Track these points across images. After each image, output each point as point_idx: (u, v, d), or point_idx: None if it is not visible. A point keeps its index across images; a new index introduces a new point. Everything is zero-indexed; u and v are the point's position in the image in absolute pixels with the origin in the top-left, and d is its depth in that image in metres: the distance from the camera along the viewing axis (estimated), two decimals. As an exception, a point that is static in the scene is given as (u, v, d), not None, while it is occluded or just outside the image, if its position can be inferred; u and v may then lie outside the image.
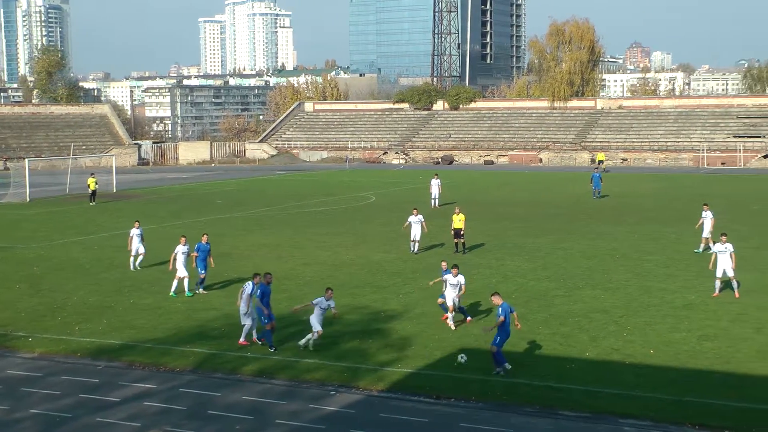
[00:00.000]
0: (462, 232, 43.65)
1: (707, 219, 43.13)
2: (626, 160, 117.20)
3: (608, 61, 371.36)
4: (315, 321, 26.33)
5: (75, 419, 20.91)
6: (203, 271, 34.97)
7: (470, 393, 22.30)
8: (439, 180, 65.47)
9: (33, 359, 26.09)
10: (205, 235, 36.33)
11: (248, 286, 27.10)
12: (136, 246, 39.80)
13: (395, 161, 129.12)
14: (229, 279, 37.25)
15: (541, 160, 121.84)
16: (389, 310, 31.21)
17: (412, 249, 43.70)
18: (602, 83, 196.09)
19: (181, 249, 34.66)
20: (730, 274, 32.51)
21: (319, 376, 23.95)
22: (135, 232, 39.98)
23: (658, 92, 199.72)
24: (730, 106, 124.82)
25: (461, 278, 29.02)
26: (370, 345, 26.73)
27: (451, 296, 28.83)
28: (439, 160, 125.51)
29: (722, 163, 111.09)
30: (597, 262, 40.63)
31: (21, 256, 44.15)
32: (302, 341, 26.50)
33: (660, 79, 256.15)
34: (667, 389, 22.40)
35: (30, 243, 48.82)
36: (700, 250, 42.82)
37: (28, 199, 72.93)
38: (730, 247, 32.77)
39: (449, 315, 28.87)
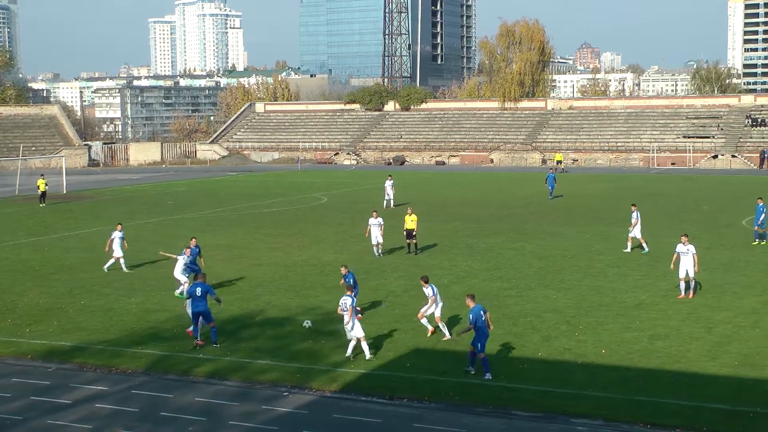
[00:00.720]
0: (414, 233, 43.71)
1: (633, 219, 43.65)
2: (577, 160, 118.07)
3: (558, 61, 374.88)
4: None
5: (26, 422, 20.78)
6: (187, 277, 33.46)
7: (423, 393, 22.41)
8: (392, 181, 65.64)
9: (-18, 362, 25.88)
10: (194, 239, 36.09)
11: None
12: (118, 250, 39.32)
13: (347, 162, 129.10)
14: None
15: (492, 161, 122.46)
16: (342, 310, 31.23)
17: (376, 253, 42.82)
18: (552, 84, 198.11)
19: (182, 260, 33.93)
20: (692, 275, 32.86)
21: (271, 377, 23.96)
22: (117, 234, 39.65)
23: (608, 93, 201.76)
24: (680, 107, 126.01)
25: (428, 290, 27.68)
26: (322, 346, 26.77)
27: (430, 309, 27.68)
28: (391, 160, 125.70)
29: (672, 164, 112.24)
30: (548, 262, 40.92)
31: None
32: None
33: (610, 80, 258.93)
34: (620, 388, 22.61)
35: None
36: (628, 249, 43.45)
37: (-24, 201, 72.16)
38: (692, 248, 33.00)
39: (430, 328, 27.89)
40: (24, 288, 36.04)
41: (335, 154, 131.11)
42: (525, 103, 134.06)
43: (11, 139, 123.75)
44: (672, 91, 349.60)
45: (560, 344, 26.67)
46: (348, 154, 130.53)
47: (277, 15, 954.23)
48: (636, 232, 43.63)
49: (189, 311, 27.36)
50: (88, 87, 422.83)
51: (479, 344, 23.87)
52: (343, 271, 30.16)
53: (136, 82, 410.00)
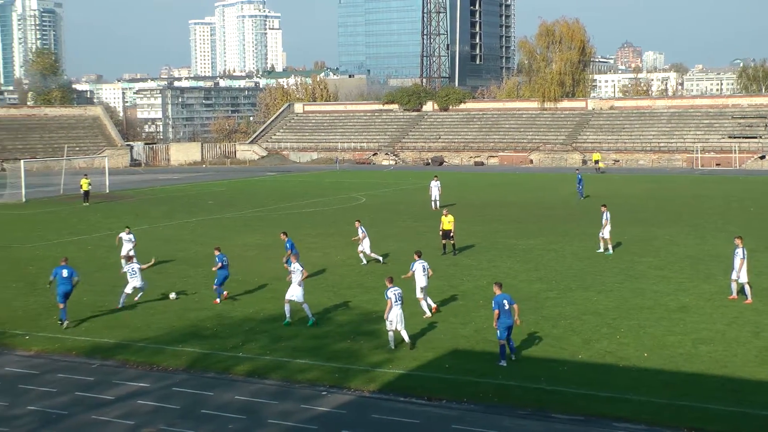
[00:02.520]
0: (451, 234, 43.68)
1: (604, 220, 43.69)
2: (618, 161, 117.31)
3: (599, 61, 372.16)
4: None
5: (70, 417, 21.09)
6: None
7: (462, 394, 22.40)
8: (438, 182, 65.07)
9: (29, 357, 26.33)
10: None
11: (396, 291, 26.40)
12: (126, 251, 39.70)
13: (385, 162, 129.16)
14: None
15: (531, 162, 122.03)
16: (380, 311, 31.17)
17: (379, 258, 41.89)
18: (593, 84, 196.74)
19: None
20: (744, 278, 32.37)
21: (310, 376, 24.06)
22: (123, 236, 40.18)
23: (650, 92, 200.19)
24: (725, 107, 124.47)
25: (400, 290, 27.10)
26: (361, 346, 26.84)
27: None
28: (429, 161, 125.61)
29: (717, 164, 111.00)
30: (589, 263, 40.71)
31: (17, 256, 44.25)
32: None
33: (652, 80, 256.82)
34: (662, 393, 22.35)
35: (26, 243, 48.94)
36: (601, 249, 43.59)
37: (23, 200, 73.11)
38: (739, 252, 32.66)
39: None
40: (67, 286, 36.39)
41: (374, 155, 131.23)
42: (565, 103, 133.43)
43: (56, 140, 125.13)
44: (717, 90, 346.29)
45: (601, 347, 26.51)
46: (386, 154, 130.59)
47: (316, 16, 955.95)
48: (605, 232, 43.69)
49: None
50: (130, 88, 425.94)
51: (498, 331, 24.73)
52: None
53: (176, 83, 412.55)
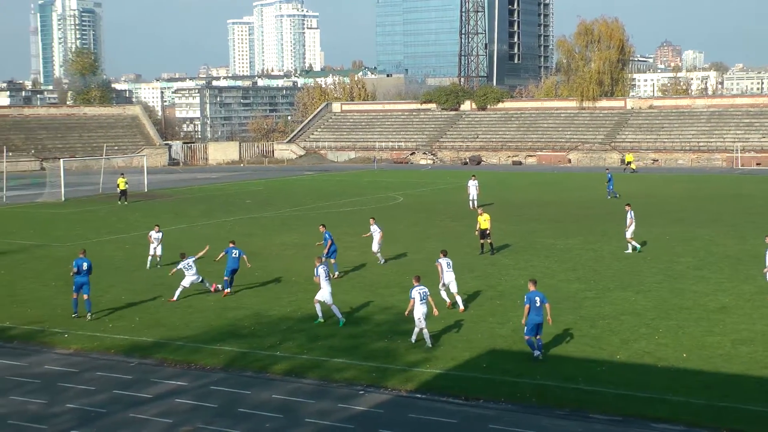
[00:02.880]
0: (488, 232, 43.54)
1: (628, 219, 43.87)
2: (657, 160, 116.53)
3: (638, 60, 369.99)
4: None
5: (109, 414, 21.23)
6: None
7: (499, 394, 22.33)
8: (476, 181, 64.74)
9: (69, 355, 26.57)
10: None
11: (421, 290, 26.67)
12: (153, 249, 40.47)
13: (423, 162, 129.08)
14: (259, 279, 37.38)
15: (570, 161, 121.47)
16: (418, 310, 31.25)
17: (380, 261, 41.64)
18: (632, 83, 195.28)
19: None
20: None
21: (348, 375, 24.08)
22: (153, 234, 40.66)
23: (689, 92, 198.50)
24: (766, 106, 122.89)
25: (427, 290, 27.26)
26: (398, 345, 26.82)
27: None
28: (467, 160, 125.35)
29: (757, 164, 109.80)
30: (627, 263, 40.46)
31: (56, 254, 44.61)
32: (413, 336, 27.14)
33: (692, 79, 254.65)
34: (701, 394, 22.16)
35: (65, 241, 49.35)
36: (629, 250, 43.52)
37: (63, 199, 73.68)
38: None
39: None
40: (107, 284, 36.71)
41: (411, 154, 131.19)
42: (604, 103, 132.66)
43: (95, 139, 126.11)
44: (758, 89, 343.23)
45: (639, 347, 26.32)
46: (424, 153, 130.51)
47: (354, 15, 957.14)
48: (629, 232, 43.83)
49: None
50: (168, 87, 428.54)
51: (525, 327, 25.11)
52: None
53: (215, 83, 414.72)
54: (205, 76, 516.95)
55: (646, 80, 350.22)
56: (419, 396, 22.49)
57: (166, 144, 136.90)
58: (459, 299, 31.53)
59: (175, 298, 33.66)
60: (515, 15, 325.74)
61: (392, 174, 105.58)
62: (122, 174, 73.58)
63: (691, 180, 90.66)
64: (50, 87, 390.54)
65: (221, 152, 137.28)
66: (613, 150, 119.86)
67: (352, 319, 30.10)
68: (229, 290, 34.73)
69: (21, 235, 52.48)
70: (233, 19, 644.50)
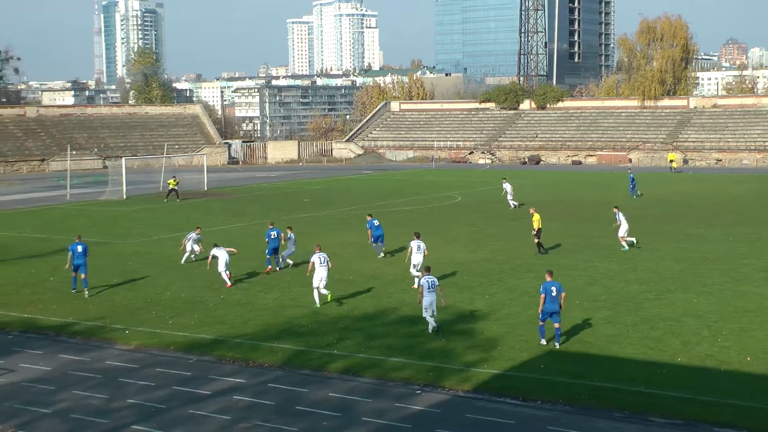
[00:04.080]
0: (538, 231, 43.45)
1: (617, 220, 44.95)
2: (721, 160, 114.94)
3: (702, 58, 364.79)
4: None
5: (169, 410, 21.45)
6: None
7: (557, 396, 22.18)
8: (508, 184, 65.18)
9: (129, 351, 26.89)
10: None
11: (429, 279, 28.27)
12: (191, 247, 41.79)
13: (481, 161, 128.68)
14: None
15: (630, 161, 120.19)
16: (475, 310, 31.20)
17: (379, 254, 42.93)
18: (695, 81, 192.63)
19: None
20: None
21: (405, 374, 24.06)
22: (193, 236, 41.78)
23: (755, 90, 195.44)
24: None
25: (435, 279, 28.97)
26: (456, 345, 26.74)
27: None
28: (526, 160, 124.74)
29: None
30: (689, 265, 39.95)
31: (118, 251, 45.17)
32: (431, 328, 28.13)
33: (758, 77, 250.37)
34: (766, 398, 21.84)
35: (126, 239, 49.97)
36: (626, 248, 44.04)
37: (124, 197, 74.61)
38: None
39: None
40: (167, 281, 37.10)
41: (470, 153, 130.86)
42: (666, 102, 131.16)
43: (156, 138, 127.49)
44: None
45: (701, 350, 25.96)
46: (483, 153, 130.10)
47: (413, 14, 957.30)
48: (621, 231, 44.64)
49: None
50: (228, 87, 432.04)
51: (541, 314, 26.29)
52: None
53: (274, 82, 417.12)
54: (264, 75, 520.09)
55: (710, 79, 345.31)
56: (476, 396, 22.41)
57: (225, 143, 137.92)
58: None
59: (229, 283, 35.33)
60: (576, 13, 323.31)
61: (450, 173, 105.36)
62: (174, 176, 74.64)
63: (756, 180, 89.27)
64: (113, 87, 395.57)
65: (280, 151, 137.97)
66: (675, 150, 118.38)
67: (409, 318, 30.05)
68: (270, 267, 38.54)
69: (84, 232, 52.88)
70: (293, 18, 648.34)
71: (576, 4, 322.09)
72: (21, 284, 37.05)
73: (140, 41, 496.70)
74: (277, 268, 39.26)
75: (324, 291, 32.11)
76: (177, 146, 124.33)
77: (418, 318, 29.99)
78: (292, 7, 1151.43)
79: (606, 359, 25.07)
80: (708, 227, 52.67)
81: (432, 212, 62.42)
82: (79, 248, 35.21)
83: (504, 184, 65.51)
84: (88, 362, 25.60)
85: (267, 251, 39.26)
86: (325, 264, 32.33)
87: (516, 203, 63.52)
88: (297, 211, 62.84)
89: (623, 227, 44.68)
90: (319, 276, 32.06)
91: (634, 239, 44.85)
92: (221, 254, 35.95)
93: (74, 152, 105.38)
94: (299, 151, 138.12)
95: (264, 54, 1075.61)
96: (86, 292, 34.43)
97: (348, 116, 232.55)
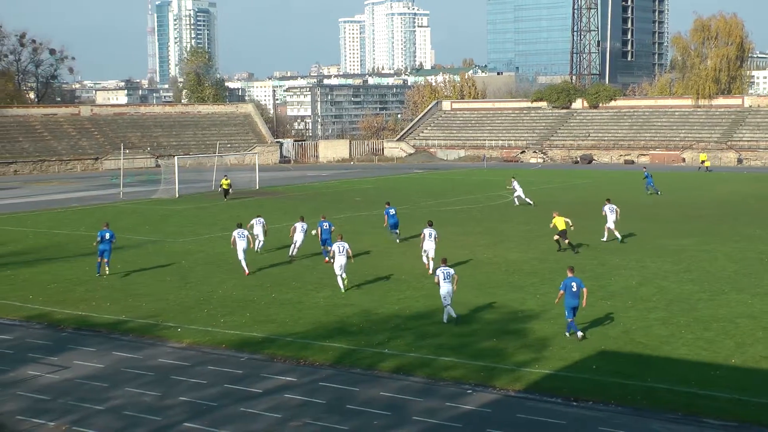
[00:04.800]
0: (563, 232, 43.95)
1: (609, 212, 46.97)
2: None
3: (758, 56, 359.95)
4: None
5: (220, 408, 21.58)
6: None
7: (609, 396, 22.03)
8: (515, 182, 66.66)
9: (182, 349, 27.09)
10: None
11: (445, 270, 29.64)
12: (256, 232, 43.71)
13: (533, 160, 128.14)
14: (367, 277, 37.56)
15: (684, 160, 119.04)
16: (527, 310, 31.08)
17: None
18: (750, 80, 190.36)
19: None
20: None
21: (456, 374, 24.03)
22: (300, 225, 42.89)
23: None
24: None
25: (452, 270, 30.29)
26: (507, 345, 26.67)
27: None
28: (578, 159, 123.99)
29: None
30: (744, 265, 39.48)
31: (171, 250, 45.57)
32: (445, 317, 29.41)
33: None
34: (823, 400, 21.47)
35: (178, 237, 50.38)
36: (605, 239, 46.56)
37: (177, 195, 75.23)
38: None
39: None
40: (219, 280, 37.37)
41: (521, 153, 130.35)
42: (720, 101, 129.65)
43: (208, 137, 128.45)
44: None
45: (756, 351, 25.65)
46: (534, 152, 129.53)
47: (465, 13, 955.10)
48: (609, 223, 46.62)
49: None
50: (280, 86, 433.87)
51: (566, 310, 27.27)
52: None
53: (326, 81, 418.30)
54: (316, 74, 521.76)
55: (765, 77, 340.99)
56: (527, 396, 22.33)
57: (277, 142, 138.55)
58: (431, 264, 37.38)
59: (247, 271, 38.35)
60: (629, 12, 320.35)
61: (502, 173, 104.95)
62: (225, 176, 75.09)
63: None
64: (166, 86, 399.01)
65: (331, 150, 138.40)
66: (729, 149, 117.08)
67: (461, 317, 30.00)
68: (328, 259, 39.30)
69: (137, 230, 53.72)
70: (345, 17, 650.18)
71: (629, 3, 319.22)
72: (75, 282, 37.50)
73: (193, 40, 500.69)
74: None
75: (343, 275, 34.24)
76: (229, 145, 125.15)
77: (469, 317, 30.01)
78: (344, 7, 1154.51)
79: (659, 360, 24.87)
80: (763, 227, 52.01)
81: (483, 211, 62.26)
82: (107, 235, 38.38)
83: (513, 183, 66.48)
84: (140, 360, 25.85)
85: (321, 243, 41.69)
86: (344, 252, 34.28)
87: (530, 201, 64.66)
88: (349, 210, 63.01)
89: (611, 219, 46.58)
90: (339, 263, 34.20)
91: (619, 236, 46.48)
92: (240, 243, 38.22)
93: (127, 151, 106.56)
94: (350, 150, 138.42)
95: (316, 53, 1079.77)
96: (107, 270, 38.33)
97: (399, 115, 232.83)
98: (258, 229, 43.75)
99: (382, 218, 50.66)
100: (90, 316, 31.22)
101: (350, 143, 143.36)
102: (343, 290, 34.37)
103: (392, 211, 47.74)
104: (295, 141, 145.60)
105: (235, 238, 38.47)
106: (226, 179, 73.26)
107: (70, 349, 27.11)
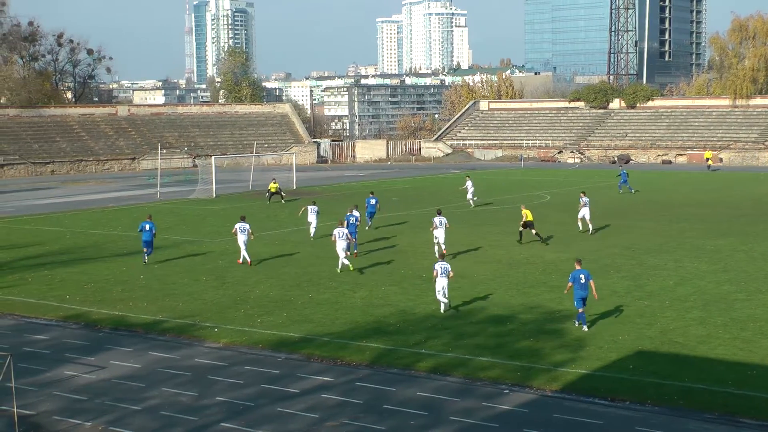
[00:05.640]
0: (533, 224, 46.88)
1: (584, 205, 50.10)
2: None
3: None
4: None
5: (257, 408, 21.71)
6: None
7: (646, 396, 22.00)
8: (470, 181, 67.00)
9: (218, 349, 27.22)
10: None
11: (442, 265, 31.04)
12: (310, 220, 48.91)
13: (570, 160, 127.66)
14: (405, 277, 37.66)
15: (721, 160, 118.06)
16: (564, 310, 31.03)
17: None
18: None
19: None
20: None
21: (493, 374, 24.06)
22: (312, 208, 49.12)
23: None
24: None
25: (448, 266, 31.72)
26: (544, 345, 26.67)
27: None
28: (615, 159, 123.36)
29: None
30: (781, 265, 39.27)
31: (207, 250, 45.83)
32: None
33: None
34: None
35: (216, 237, 50.64)
36: (581, 229, 50.11)
37: (214, 195, 75.61)
38: None
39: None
40: (256, 280, 37.57)
41: (558, 153, 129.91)
42: (758, 101, 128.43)
43: (246, 137, 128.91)
44: None
45: (793, 352, 25.53)
46: (571, 152, 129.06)
47: (502, 13, 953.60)
48: (582, 213, 50.18)
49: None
50: (317, 86, 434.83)
51: (574, 302, 28.62)
52: None
53: (363, 81, 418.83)
54: (353, 74, 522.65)
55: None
56: (564, 396, 22.34)
57: (314, 142, 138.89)
58: (444, 248, 41.23)
59: (249, 260, 40.88)
60: (667, 12, 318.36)
61: (539, 172, 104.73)
62: (274, 179, 75.13)
63: None
64: (203, 86, 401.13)
65: (369, 150, 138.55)
66: (767, 149, 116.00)
67: (497, 317, 30.06)
68: (356, 251, 42.41)
69: (174, 230, 54.11)
70: (382, 17, 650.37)
71: (667, 3, 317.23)
72: (112, 282, 37.81)
73: (230, 40, 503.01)
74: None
75: (346, 261, 36.34)
76: (266, 145, 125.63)
77: (507, 317, 30.05)
78: (381, 7, 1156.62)
79: (696, 360, 24.79)
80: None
81: (521, 211, 62.01)
82: (147, 227, 41.20)
83: (466, 183, 66.57)
84: (177, 360, 26.03)
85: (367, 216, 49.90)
86: (344, 237, 36.92)
87: (474, 200, 65.60)
88: (387, 210, 63.01)
89: (582, 210, 50.05)
90: (341, 246, 36.62)
91: (591, 227, 49.78)
92: (240, 237, 40.84)
93: (164, 151, 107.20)
94: (388, 150, 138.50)
95: (353, 53, 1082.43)
96: (146, 259, 41.59)
97: (437, 115, 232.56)
98: (312, 217, 48.63)
99: (420, 218, 50.88)
100: (127, 316, 31.48)
101: (387, 143, 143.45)
102: (339, 270, 38.37)
103: (373, 201, 52.47)
104: (332, 141, 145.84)
105: (236, 230, 41.22)
106: (275, 182, 72.96)
107: (107, 349, 27.34)
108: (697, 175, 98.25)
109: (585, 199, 50.31)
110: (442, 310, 30.79)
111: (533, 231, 46.55)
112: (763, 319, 29.20)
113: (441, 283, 30.72)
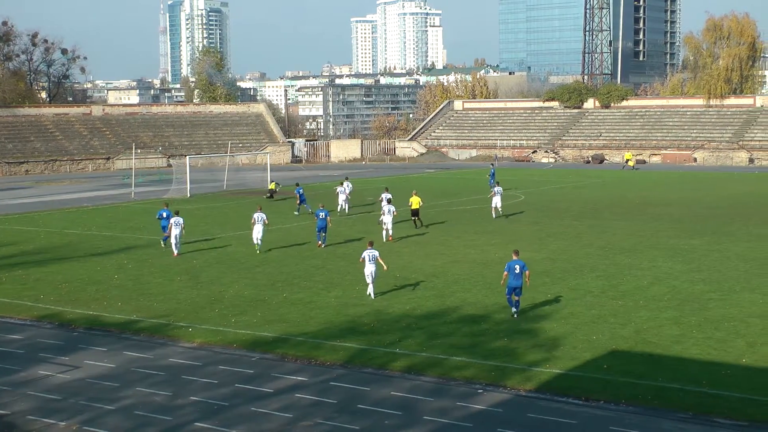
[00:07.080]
0: (418, 212, 51.86)
1: (497, 193, 56.93)
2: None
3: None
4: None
5: (231, 408, 21.61)
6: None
7: (620, 396, 22.03)
8: (348, 182, 64.25)
9: (193, 348, 27.13)
10: None
11: (371, 253, 33.31)
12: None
13: (544, 160, 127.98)
14: (379, 275, 37.54)
15: (695, 160, 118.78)
16: (538, 309, 31.08)
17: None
18: (762, 80, 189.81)
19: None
20: None
21: (467, 374, 24.05)
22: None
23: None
24: None
25: (376, 253, 33.63)
26: (518, 344, 26.68)
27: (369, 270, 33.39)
28: (590, 159, 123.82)
29: None
30: (755, 265, 39.41)
31: (182, 249, 45.44)
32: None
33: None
34: (835, 401, 21.42)
35: (190, 237, 50.24)
36: (494, 216, 56.37)
37: (188, 195, 75.33)
38: None
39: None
40: (230, 279, 37.44)
41: (533, 152, 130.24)
42: (732, 100, 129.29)
43: (220, 136, 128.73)
44: None
45: (767, 351, 25.61)
46: (546, 152, 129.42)
47: (477, 13, 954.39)
48: (494, 202, 56.95)
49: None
50: (292, 86, 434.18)
51: (506, 288, 30.01)
52: None
53: (338, 81, 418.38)
54: (328, 74, 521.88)
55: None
56: (539, 396, 22.34)
57: (289, 141, 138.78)
58: (391, 233, 47.21)
59: (175, 252, 43.44)
60: (641, 11, 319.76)
61: (513, 172, 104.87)
62: (271, 181, 75.14)
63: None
64: (177, 85, 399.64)
65: (343, 150, 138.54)
66: (741, 149, 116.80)
67: (471, 317, 30.06)
68: (321, 243, 45.54)
69: (148, 230, 53.80)
70: (357, 17, 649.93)
71: (641, 3, 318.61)
72: (87, 282, 37.61)
73: (205, 40, 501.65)
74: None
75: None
76: (241, 145, 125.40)
77: (481, 317, 30.06)
78: (356, 6, 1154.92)
79: (670, 359, 24.85)
80: (774, 227, 51.91)
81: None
82: (164, 214, 46.16)
83: (344, 183, 63.81)
84: (151, 359, 25.90)
85: (317, 228, 47.10)
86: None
87: (347, 207, 62.14)
88: (361, 209, 62.94)
89: (495, 199, 56.70)
90: (369, 270, 34.43)
91: (501, 212, 56.44)
92: (175, 231, 43.59)
93: (139, 151, 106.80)
94: (362, 149, 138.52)
95: (328, 53, 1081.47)
96: (161, 244, 45.80)
97: (411, 115, 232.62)
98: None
99: (395, 217, 50.83)
100: (101, 315, 31.30)
101: (362, 143, 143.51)
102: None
103: (301, 191, 60.77)
104: (306, 141, 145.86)
105: (254, 220, 44.72)
106: (273, 182, 73.12)
107: (81, 348, 27.19)
108: (671, 174, 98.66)
109: (498, 189, 57.29)
110: (368, 293, 33.42)
111: (414, 218, 52.06)
112: (737, 319, 29.30)
113: (369, 269, 33.10)
